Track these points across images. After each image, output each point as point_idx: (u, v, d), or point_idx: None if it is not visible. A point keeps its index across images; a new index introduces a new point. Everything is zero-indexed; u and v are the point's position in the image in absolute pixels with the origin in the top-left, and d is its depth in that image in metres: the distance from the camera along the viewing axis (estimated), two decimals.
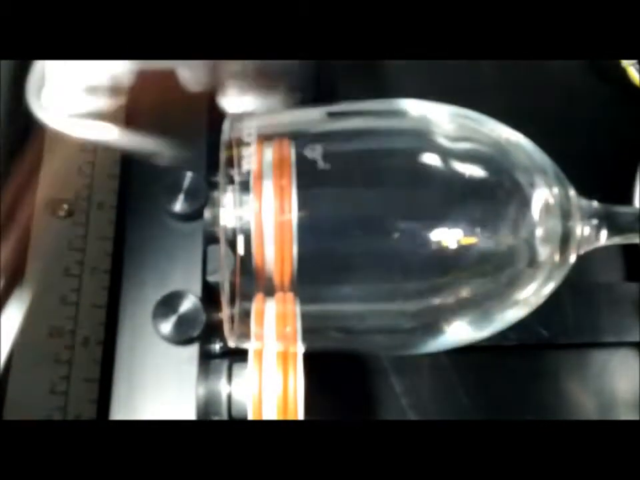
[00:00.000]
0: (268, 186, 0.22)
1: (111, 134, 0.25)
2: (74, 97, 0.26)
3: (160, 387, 0.24)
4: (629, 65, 0.33)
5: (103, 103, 0.26)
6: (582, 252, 0.25)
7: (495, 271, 0.23)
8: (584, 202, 0.25)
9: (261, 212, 0.22)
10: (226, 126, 0.24)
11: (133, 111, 0.27)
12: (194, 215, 0.25)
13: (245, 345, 0.24)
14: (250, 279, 0.22)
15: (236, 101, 0.28)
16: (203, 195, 0.25)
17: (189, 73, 0.27)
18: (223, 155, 0.23)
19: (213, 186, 0.25)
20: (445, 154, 0.23)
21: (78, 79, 0.26)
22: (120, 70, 0.25)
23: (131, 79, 0.27)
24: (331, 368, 0.27)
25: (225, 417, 0.24)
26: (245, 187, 0.22)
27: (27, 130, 0.28)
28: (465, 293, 0.23)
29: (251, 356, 0.24)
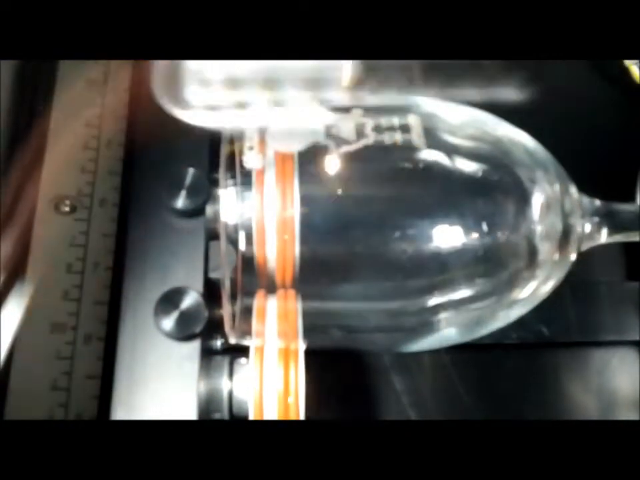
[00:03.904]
0: (270, 182, 0.22)
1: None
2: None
3: (161, 383, 0.24)
4: (631, 64, 0.33)
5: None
6: (583, 249, 0.25)
7: (495, 268, 0.23)
8: (585, 199, 0.25)
9: (263, 208, 0.22)
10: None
11: (134, 106, 0.27)
12: (196, 212, 0.25)
13: (246, 342, 0.24)
14: (251, 276, 0.22)
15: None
16: (205, 191, 0.25)
17: None
18: (224, 151, 0.23)
19: (215, 182, 0.25)
20: (447, 151, 0.23)
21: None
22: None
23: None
24: (332, 365, 0.27)
25: (225, 413, 0.24)
26: (246, 183, 0.22)
27: (29, 126, 0.28)
28: (465, 290, 0.23)
29: (252, 353, 0.24)
